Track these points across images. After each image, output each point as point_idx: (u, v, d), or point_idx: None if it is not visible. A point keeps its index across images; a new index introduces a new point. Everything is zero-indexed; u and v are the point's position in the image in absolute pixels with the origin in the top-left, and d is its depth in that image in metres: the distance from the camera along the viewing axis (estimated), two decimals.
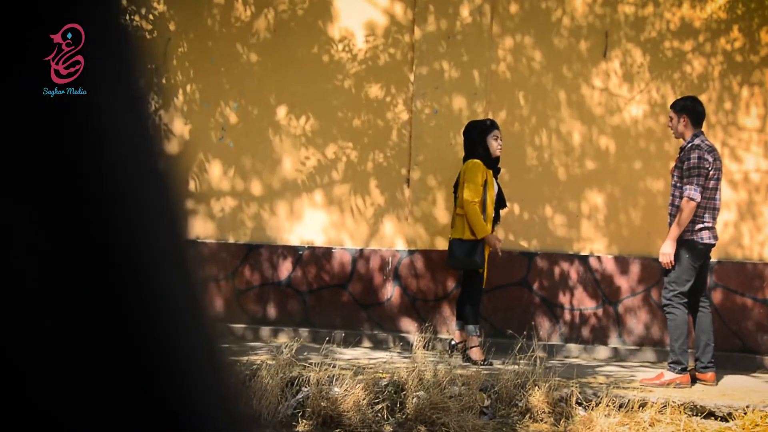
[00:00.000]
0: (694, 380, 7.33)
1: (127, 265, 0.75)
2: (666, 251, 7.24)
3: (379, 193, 9.30)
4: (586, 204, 9.08)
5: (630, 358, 8.69)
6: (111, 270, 0.75)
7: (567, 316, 8.95)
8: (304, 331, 8.99)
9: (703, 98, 8.85)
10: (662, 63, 9.03)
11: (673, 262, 7.23)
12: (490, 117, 9.08)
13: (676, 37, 9.01)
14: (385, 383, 6.71)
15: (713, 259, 8.73)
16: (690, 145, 7.25)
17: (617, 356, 8.73)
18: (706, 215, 7.26)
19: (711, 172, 7.21)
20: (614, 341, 8.91)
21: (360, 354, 8.22)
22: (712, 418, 6.45)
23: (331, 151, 9.40)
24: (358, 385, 6.55)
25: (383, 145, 9.32)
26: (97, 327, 0.74)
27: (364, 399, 6.46)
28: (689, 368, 7.34)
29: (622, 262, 8.92)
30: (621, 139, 9.07)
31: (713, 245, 7.43)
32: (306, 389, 6.61)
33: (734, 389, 7.07)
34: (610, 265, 8.94)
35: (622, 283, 8.91)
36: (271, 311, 9.35)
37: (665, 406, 6.41)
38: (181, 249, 0.82)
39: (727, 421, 6.40)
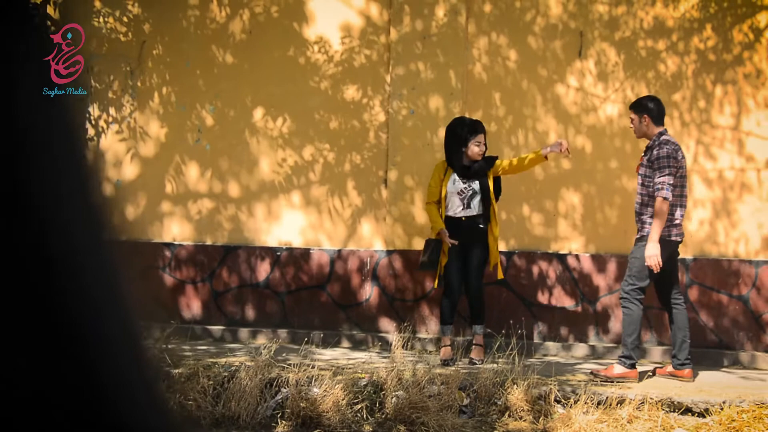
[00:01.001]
0: (641, 376, 7.40)
1: (50, 266, 0.75)
2: (653, 253, 7.20)
3: (357, 193, 9.31)
4: (563, 203, 9.12)
5: (608, 355, 8.72)
6: (34, 274, 0.74)
7: (545, 315, 8.99)
8: (282, 332, 8.99)
9: (677, 97, 8.95)
10: (636, 62, 9.09)
11: (661, 264, 7.23)
12: (467, 116, 9.10)
13: (649, 36, 9.07)
14: (365, 383, 6.72)
15: (689, 256, 8.81)
16: (658, 143, 7.30)
17: (595, 354, 8.76)
18: (677, 212, 7.32)
19: (680, 170, 7.27)
20: (592, 339, 8.95)
21: (339, 354, 8.22)
22: (690, 414, 6.50)
23: (308, 152, 9.40)
24: (337, 386, 6.55)
25: (360, 146, 9.33)
26: (22, 332, 0.74)
27: (343, 399, 6.47)
28: (655, 363, 7.40)
29: (599, 261, 8.97)
30: (596, 138, 9.12)
31: (681, 242, 7.49)
32: (285, 390, 6.61)
33: (711, 385, 7.12)
34: (587, 264, 8.98)
35: (600, 281, 8.95)
36: (250, 313, 9.34)
37: (643, 402, 6.45)
38: (106, 250, 0.82)
39: (704, 416, 6.45)
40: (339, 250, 9.26)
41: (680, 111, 9.01)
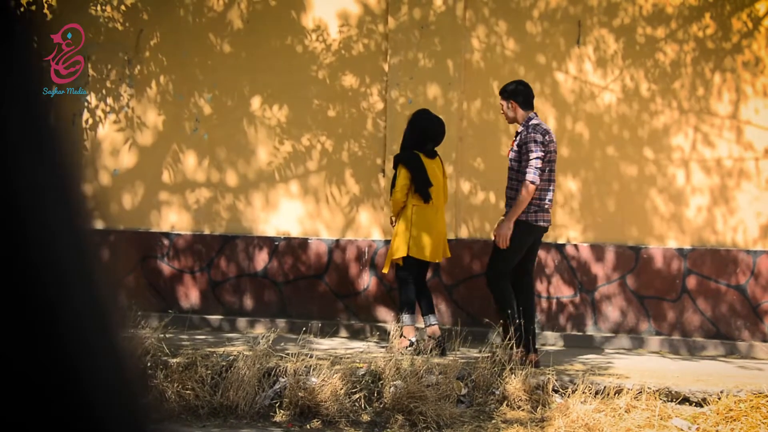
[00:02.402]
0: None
1: (28, 260, 0.75)
2: (504, 232, 7.23)
3: (355, 182, 9.30)
4: (560, 191, 9.11)
5: (606, 345, 8.74)
6: (12, 265, 0.74)
7: (543, 304, 8.99)
8: (280, 322, 8.99)
9: (675, 85, 8.93)
10: (635, 50, 9.07)
11: (509, 243, 7.24)
12: (465, 106, 9.12)
13: (648, 23, 9.05)
14: (363, 373, 6.72)
15: (687, 245, 8.81)
16: (526, 128, 7.33)
17: (593, 343, 8.77)
18: (546, 197, 7.34)
19: (548, 155, 7.28)
20: (590, 328, 8.95)
21: (337, 344, 8.22)
22: (687, 403, 6.51)
23: (305, 141, 9.38)
24: (335, 375, 6.55)
25: (358, 135, 9.31)
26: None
27: (341, 389, 6.47)
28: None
29: (598, 250, 8.96)
30: (595, 125, 9.10)
31: (547, 228, 7.50)
32: (283, 380, 6.62)
33: (709, 375, 7.12)
34: (585, 253, 8.98)
35: (598, 270, 8.95)
36: (248, 302, 9.33)
37: (641, 392, 6.45)
38: (84, 242, 0.82)
39: (701, 406, 6.46)
40: (337, 240, 9.25)
41: (679, 99, 9.00)
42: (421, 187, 7.65)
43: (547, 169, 7.30)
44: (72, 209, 0.81)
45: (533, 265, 7.73)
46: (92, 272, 0.82)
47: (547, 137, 7.29)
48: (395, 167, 7.76)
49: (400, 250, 7.66)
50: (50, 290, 0.76)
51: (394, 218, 7.92)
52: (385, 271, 7.93)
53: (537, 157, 7.17)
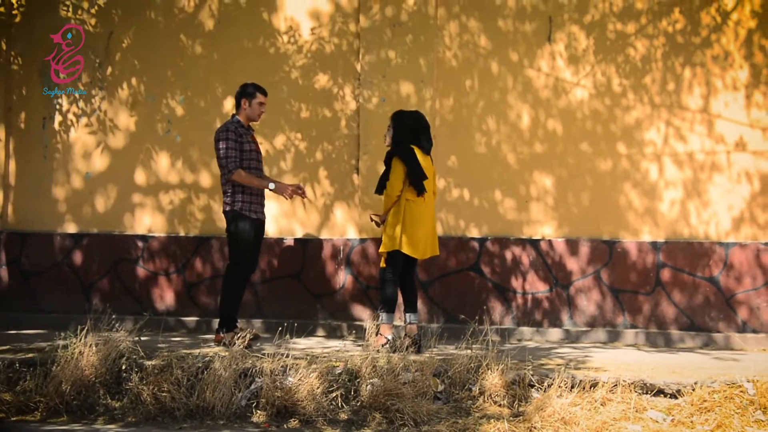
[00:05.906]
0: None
1: None
2: None
3: (329, 182, 9.28)
4: (535, 187, 9.14)
5: (582, 338, 8.77)
6: None
7: (519, 300, 9.01)
8: (257, 322, 8.96)
9: (646, 80, 9.00)
10: (606, 45, 9.11)
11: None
12: (438, 104, 9.13)
13: (619, 19, 9.10)
14: (340, 371, 6.71)
15: (660, 239, 8.87)
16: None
17: (569, 338, 8.81)
18: None
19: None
20: (566, 323, 8.99)
21: (314, 343, 8.20)
22: (662, 395, 6.53)
23: (279, 142, 9.36)
24: (312, 374, 6.54)
25: (332, 135, 9.30)
26: None
27: (318, 388, 6.46)
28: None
29: (572, 245, 8.99)
30: (568, 121, 9.14)
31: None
32: (260, 380, 6.59)
33: (683, 366, 7.16)
34: (560, 249, 9.01)
35: (573, 265, 8.98)
36: None
37: (616, 385, 6.48)
38: None
39: (676, 398, 6.48)
40: (312, 239, 9.24)
41: (650, 94, 9.05)
42: (417, 180, 7.57)
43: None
44: None
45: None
46: None
47: None
48: (388, 162, 7.68)
49: (386, 245, 7.65)
50: None
51: (374, 216, 7.93)
52: (383, 266, 7.84)
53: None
